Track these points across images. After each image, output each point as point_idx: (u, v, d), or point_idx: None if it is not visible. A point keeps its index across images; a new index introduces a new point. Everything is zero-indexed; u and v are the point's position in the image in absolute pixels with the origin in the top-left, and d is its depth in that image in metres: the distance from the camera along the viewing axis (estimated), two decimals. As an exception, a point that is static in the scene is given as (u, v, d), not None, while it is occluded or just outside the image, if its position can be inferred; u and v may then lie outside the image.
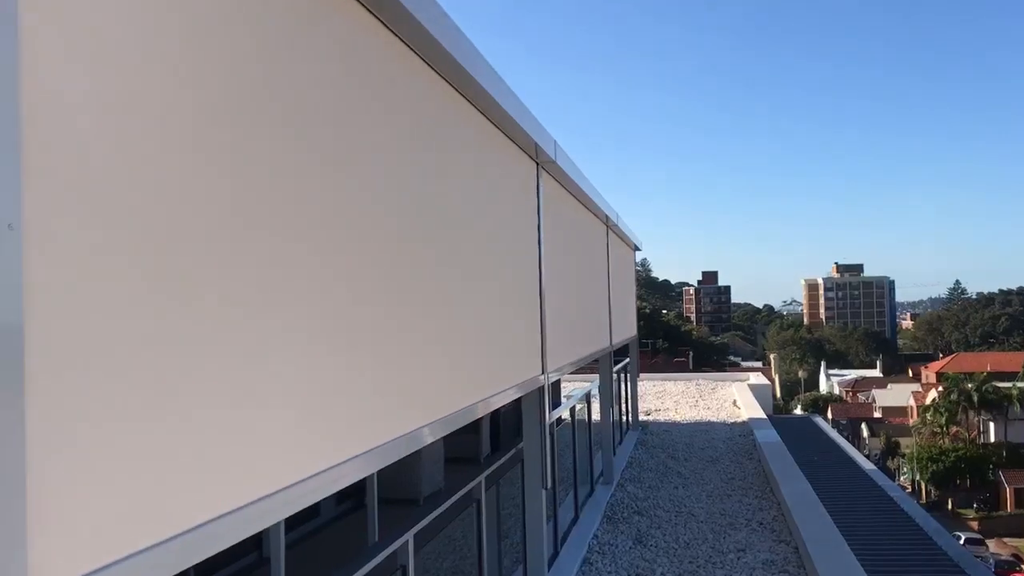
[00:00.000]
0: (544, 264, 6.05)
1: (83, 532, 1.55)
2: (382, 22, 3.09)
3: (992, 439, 55.78)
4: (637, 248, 15.61)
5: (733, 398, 20.63)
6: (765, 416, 17.56)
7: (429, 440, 3.44)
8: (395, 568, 4.06)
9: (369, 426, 2.88)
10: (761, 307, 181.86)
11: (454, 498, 5.05)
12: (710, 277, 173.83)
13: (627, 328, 13.55)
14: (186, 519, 1.85)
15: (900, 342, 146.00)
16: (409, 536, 4.17)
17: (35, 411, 1.43)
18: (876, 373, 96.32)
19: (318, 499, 2.46)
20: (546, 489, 6.26)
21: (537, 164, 6.01)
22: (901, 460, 57.01)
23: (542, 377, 5.91)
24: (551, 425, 6.82)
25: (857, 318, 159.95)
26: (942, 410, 56.04)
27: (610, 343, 10.73)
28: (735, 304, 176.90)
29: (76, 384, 1.54)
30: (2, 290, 1.37)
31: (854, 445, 17.40)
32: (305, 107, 2.49)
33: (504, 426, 6.56)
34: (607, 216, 10.12)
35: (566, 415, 9.14)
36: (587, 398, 10.92)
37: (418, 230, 3.45)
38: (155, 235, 1.78)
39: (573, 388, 10.86)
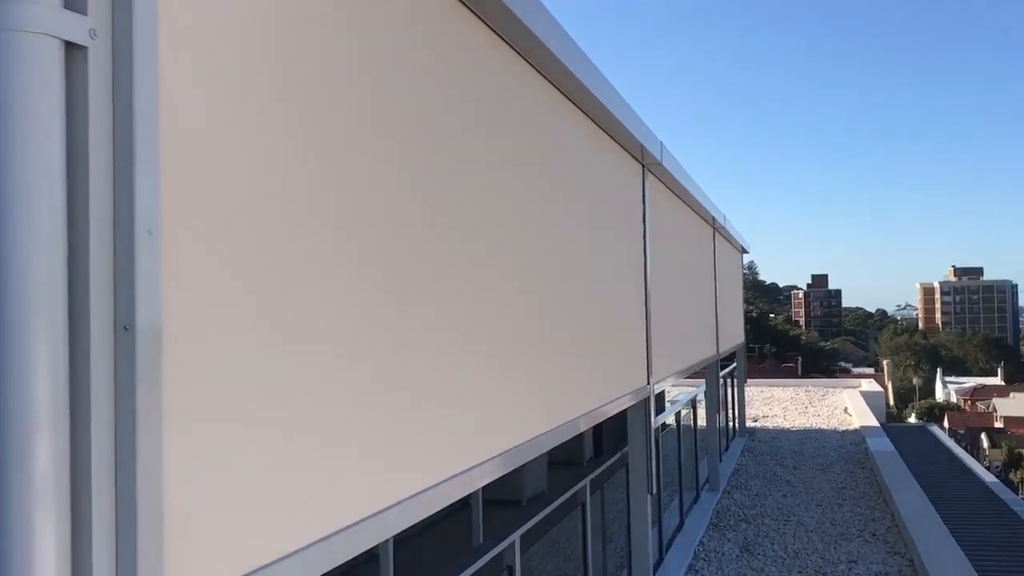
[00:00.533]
0: (649, 268, 5.99)
1: (224, 540, 1.62)
2: (497, 33, 3.13)
3: None
4: (744, 251, 15.33)
5: (844, 405, 20.01)
6: (878, 424, 16.98)
7: (548, 447, 3.48)
8: (501, 569, 4.08)
9: (500, 432, 2.97)
10: (873, 311, 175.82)
11: (560, 500, 5.05)
12: (820, 280, 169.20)
13: (734, 335, 13.31)
14: (327, 524, 1.93)
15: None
16: (516, 537, 4.19)
17: (172, 419, 1.50)
18: (997, 381, 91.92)
19: (453, 500, 2.53)
20: (651, 494, 6.20)
21: (643, 166, 5.97)
22: (1025, 473, 54.30)
23: (648, 387, 5.85)
24: (656, 430, 6.75)
25: (976, 323, 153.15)
26: (1070, 421, 53.08)
27: (716, 351, 10.55)
28: (846, 308, 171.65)
29: (211, 385, 1.61)
30: (145, 292, 1.44)
31: (973, 456, 16.65)
32: (427, 117, 2.53)
33: (607, 430, 6.53)
34: (714, 218, 9.97)
35: (671, 420, 9.03)
36: (693, 403, 10.77)
37: (535, 238, 3.48)
38: (289, 244, 1.84)
39: (678, 393, 10.73)
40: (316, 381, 1.96)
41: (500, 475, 3.00)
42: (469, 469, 2.71)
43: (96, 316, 1.39)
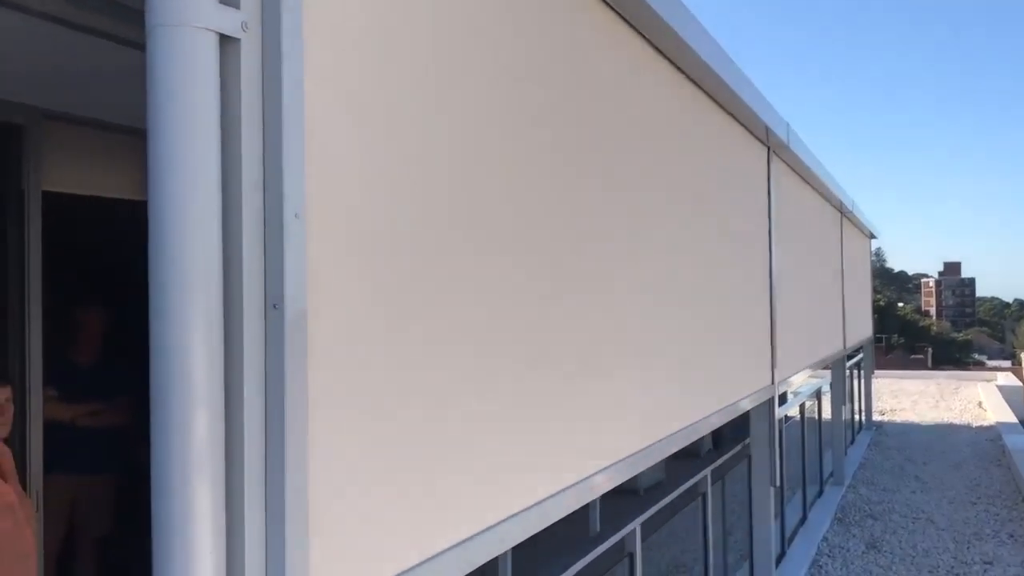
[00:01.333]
0: (774, 258, 5.85)
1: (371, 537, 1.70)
2: (629, 23, 3.14)
3: None
4: (872, 236, 14.79)
5: (978, 399, 19.09)
6: (1016, 420, 16.14)
7: (673, 450, 3.50)
8: (623, 556, 4.09)
9: (630, 434, 3.03)
10: (1010, 302, 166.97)
11: (680, 490, 5.01)
12: (952, 268, 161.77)
13: (862, 327, 12.86)
14: (480, 522, 2.01)
15: None
16: (636, 525, 4.19)
17: (319, 407, 1.57)
18: None
19: (583, 502, 2.59)
20: (774, 487, 6.08)
21: (768, 148, 5.83)
22: None
23: (772, 386, 5.73)
24: (779, 422, 6.61)
25: None
26: None
27: (844, 345, 10.22)
28: (980, 298, 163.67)
29: (349, 371, 1.67)
30: (292, 273, 1.50)
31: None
32: (566, 113, 2.55)
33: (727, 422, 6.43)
34: (841, 203, 9.65)
35: (794, 412, 8.82)
36: (818, 395, 10.48)
37: (667, 236, 3.49)
38: (425, 239, 1.89)
39: (803, 384, 10.46)
40: (451, 380, 2.01)
41: (628, 478, 3.03)
42: (596, 473, 2.74)
43: (248, 295, 1.47)
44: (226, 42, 1.46)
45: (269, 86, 1.50)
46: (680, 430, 3.60)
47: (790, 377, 6.52)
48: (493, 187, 2.23)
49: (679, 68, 3.81)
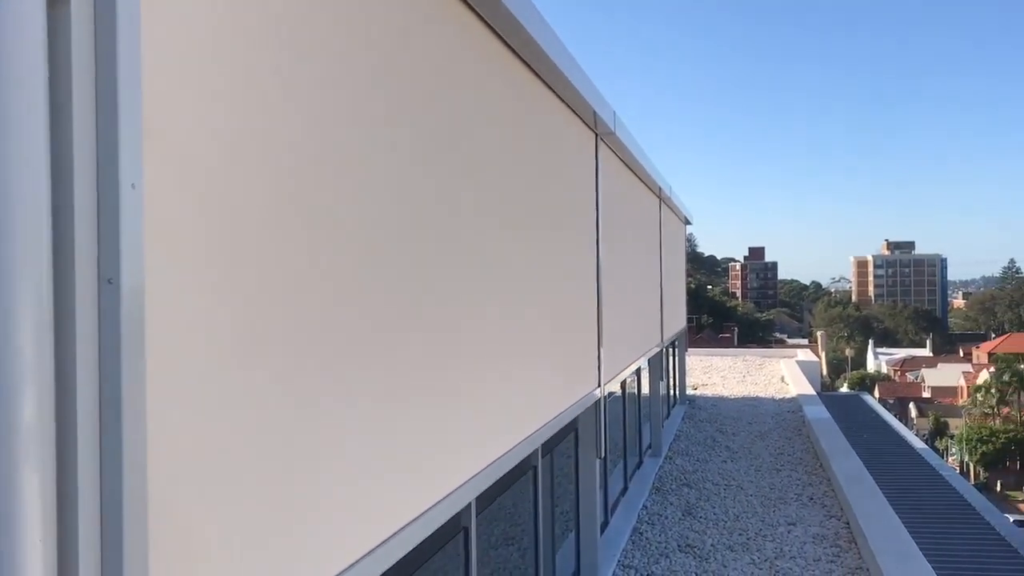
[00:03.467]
0: (601, 253, 6.01)
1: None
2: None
3: (1044, 421, 54.74)
4: (688, 222, 15.52)
5: (781, 374, 20.48)
6: (814, 393, 17.43)
7: (514, 463, 3.73)
8: (458, 530, 4.13)
9: (473, 451, 3.06)
10: (808, 284, 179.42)
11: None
12: (757, 253, 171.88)
13: (678, 318, 13.49)
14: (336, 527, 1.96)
15: (951, 321, 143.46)
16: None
17: (155, 372, 1.51)
18: (926, 352, 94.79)
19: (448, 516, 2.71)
20: (599, 458, 6.31)
21: (596, 135, 6.00)
22: (950, 441, 56.23)
23: (598, 391, 5.89)
24: (603, 399, 6.86)
25: (907, 296, 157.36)
26: (993, 391, 55.11)
27: (662, 339, 10.67)
28: (782, 280, 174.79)
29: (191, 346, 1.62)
30: (129, 246, 1.44)
31: (902, 423, 17.22)
32: (396, 91, 2.53)
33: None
34: (660, 188, 10.06)
35: (616, 388, 9.17)
36: (637, 372, 10.93)
37: (494, 226, 3.51)
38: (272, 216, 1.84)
39: (623, 360, 10.87)
40: (307, 374, 1.98)
41: (454, 511, 3.20)
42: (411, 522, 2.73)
43: (80, 269, 1.39)
44: (54, 3, 1.37)
45: (102, 50, 1.42)
46: (511, 449, 3.74)
47: (615, 375, 6.74)
48: (341, 176, 2.21)
49: (513, 50, 3.87)
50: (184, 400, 1.60)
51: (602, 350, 5.96)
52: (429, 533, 2.88)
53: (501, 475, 3.67)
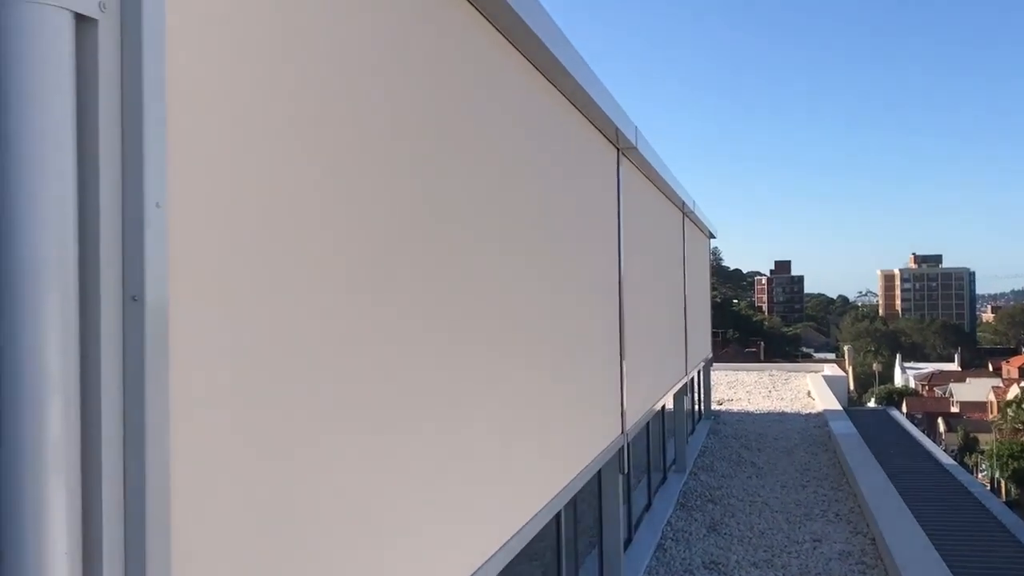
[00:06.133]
0: (624, 286, 5.93)
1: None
2: (476, 8, 3.14)
3: (1077, 437, 53.80)
4: (712, 236, 15.45)
5: (807, 389, 20.31)
6: (840, 408, 17.26)
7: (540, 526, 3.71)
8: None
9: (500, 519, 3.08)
10: (835, 298, 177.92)
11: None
12: (783, 266, 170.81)
13: (702, 344, 13.33)
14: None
15: (980, 335, 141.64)
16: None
17: (180, 389, 1.53)
18: (954, 367, 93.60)
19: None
20: (623, 474, 6.28)
21: (618, 150, 6.01)
22: (979, 456, 55.37)
23: (623, 436, 5.83)
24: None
25: (935, 310, 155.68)
26: (1024, 406, 54.30)
27: (686, 371, 10.55)
28: (808, 294, 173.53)
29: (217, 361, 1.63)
30: (153, 264, 1.46)
31: (930, 440, 17.01)
32: (416, 104, 2.55)
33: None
34: (683, 203, 10.03)
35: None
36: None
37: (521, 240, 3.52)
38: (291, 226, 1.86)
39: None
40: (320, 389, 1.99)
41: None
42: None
43: (105, 287, 1.41)
44: (83, 22, 1.40)
45: (129, 70, 1.45)
46: (540, 511, 3.74)
47: (638, 419, 6.66)
48: (362, 187, 2.22)
49: (537, 68, 3.89)
50: (206, 416, 1.62)
51: (626, 399, 5.92)
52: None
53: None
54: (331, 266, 2.08)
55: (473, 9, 3.11)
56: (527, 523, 3.60)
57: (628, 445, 6.05)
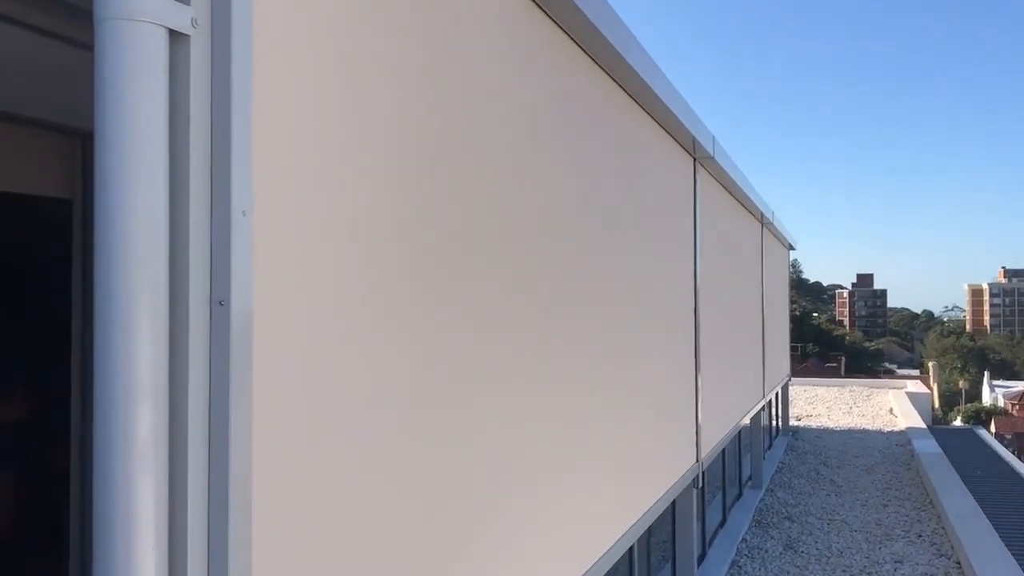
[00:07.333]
0: (699, 292, 5.90)
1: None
2: (558, 24, 3.16)
3: None
4: (791, 247, 15.19)
5: (889, 406, 19.76)
6: (924, 426, 16.75)
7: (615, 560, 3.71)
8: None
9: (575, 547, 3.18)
10: (920, 312, 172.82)
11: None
12: (865, 279, 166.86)
13: (781, 362, 13.08)
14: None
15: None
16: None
17: (264, 390, 1.57)
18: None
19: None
20: (697, 488, 6.20)
21: (694, 160, 5.96)
22: (1074, 480, 53.09)
23: (698, 464, 5.78)
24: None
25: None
26: (1123, 428, 51.88)
27: (763, 394, 10.37)
28: (891, 308, 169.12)
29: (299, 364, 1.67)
30: (239, 270, 1.51)
31: (1021, 461, 16.37)
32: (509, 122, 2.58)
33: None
34: (763, 214, 9.88)
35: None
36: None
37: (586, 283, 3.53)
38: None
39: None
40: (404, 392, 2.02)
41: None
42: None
43: (194, 292, 1.47)
44: (175, 38, 1.46)
45: (218, 84, 1.50)
46: (616, 543, 3.75)
47: (713, 446, 6.58)
48: (447, 192, 2.25)
49: (618, 83, 3.89)
50: (289, 417, 1.66)
51: (701, 427, 5.85)
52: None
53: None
54: (406, 276, 2.11)
55: (580, 50, 3.15)
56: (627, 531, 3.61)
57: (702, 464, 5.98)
